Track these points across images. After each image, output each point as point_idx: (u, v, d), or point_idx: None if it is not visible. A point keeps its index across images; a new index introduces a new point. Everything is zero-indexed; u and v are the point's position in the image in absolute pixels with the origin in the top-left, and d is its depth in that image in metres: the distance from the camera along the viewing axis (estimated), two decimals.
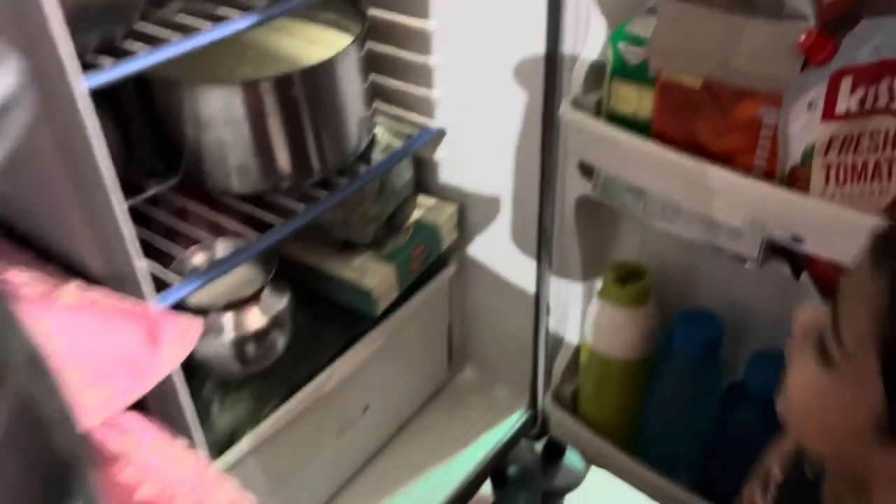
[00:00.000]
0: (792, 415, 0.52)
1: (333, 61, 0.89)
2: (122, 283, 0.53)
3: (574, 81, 0.84)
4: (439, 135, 1.06)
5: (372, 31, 0.98)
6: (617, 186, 0.86)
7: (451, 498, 1.14)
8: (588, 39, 0.84)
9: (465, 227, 1.14)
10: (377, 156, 1.01)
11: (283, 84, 0.86)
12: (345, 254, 1.03)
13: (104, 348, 0.47)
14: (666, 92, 0.76)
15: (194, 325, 0.49)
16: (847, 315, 0.46)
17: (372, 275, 1.00)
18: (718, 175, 0.74)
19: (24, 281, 0.51)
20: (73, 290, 0.51)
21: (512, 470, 1.28)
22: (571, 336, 1.11)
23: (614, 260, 1.00)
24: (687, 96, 0.75)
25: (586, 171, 0.89)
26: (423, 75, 1.03)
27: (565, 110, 0.83)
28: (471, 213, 1.12)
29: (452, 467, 1.18)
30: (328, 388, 0.98)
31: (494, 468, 1.22)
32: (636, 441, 1.06)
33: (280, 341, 0.93)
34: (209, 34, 0.70)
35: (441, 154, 1.09)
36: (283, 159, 0.91)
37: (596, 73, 0.85)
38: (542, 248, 1.05)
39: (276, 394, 0.94)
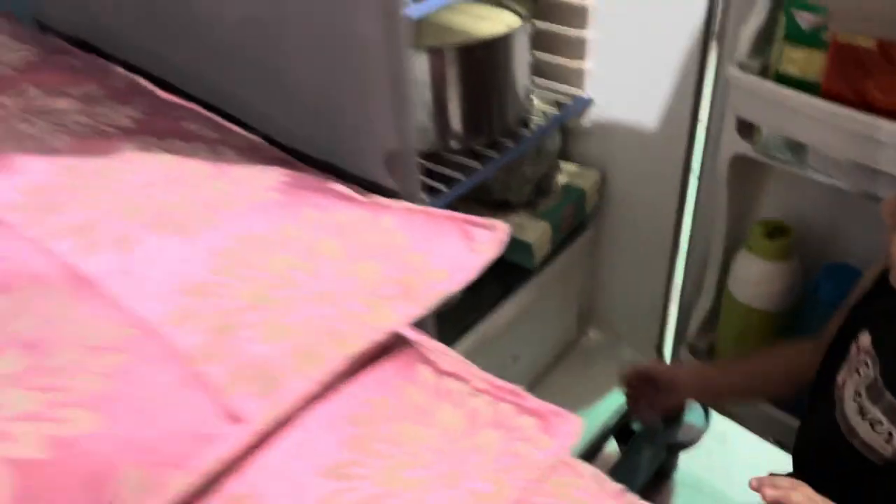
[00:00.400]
0: None
1: (510, 35, 0.98)
2: (410, 199, 0.62)
3: (739, 46, 0.92)
4: (588, 104, 1.14)
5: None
6: (778, 143, 0.93)
7: (579, 453, 1.21)
8: (754, 7, 0.91)
9: (606, 192, 1.22)
10: (534, 122, 1.10)
11: (464, 52, 0.95)
12: (501, 212, 1.12)
13: (432, 243, 0.56)
14: (839, 53, 0.84)
15: (503, 229, 0.57)
16: None
17: (531, 230, 1.09)
18: (889, 128, 0.82)
19: (345, 191, 0.60)
20: (385, 200, 0.60)
21: (636, 426, 1.35)
22: (706, 293, 1.18)
23: (760, 217, 1.07)
24: (860, 57, 0.82)
25: (744, 130, 0.97)
26: (576, 48, 1.11)
27: (733, 72, 0.91)
28: (612, 179, 1.20)
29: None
30: (490, 333, 1.07)
31: (620, 425, 1.30)
32: None
33: None
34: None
35: (587, 122, 1.17)
36: (457, 121, 1.00)
37: (759, 38, 0.92)
38: (682, 210, 1.13)
39: (451, 334, 1.02)
